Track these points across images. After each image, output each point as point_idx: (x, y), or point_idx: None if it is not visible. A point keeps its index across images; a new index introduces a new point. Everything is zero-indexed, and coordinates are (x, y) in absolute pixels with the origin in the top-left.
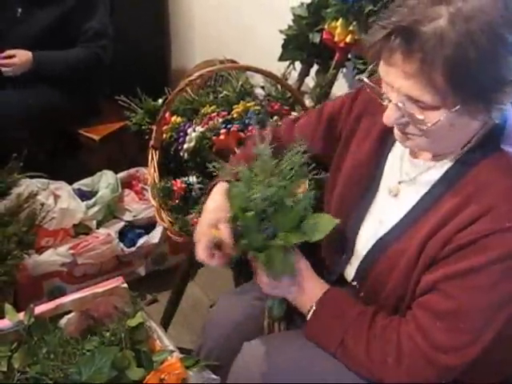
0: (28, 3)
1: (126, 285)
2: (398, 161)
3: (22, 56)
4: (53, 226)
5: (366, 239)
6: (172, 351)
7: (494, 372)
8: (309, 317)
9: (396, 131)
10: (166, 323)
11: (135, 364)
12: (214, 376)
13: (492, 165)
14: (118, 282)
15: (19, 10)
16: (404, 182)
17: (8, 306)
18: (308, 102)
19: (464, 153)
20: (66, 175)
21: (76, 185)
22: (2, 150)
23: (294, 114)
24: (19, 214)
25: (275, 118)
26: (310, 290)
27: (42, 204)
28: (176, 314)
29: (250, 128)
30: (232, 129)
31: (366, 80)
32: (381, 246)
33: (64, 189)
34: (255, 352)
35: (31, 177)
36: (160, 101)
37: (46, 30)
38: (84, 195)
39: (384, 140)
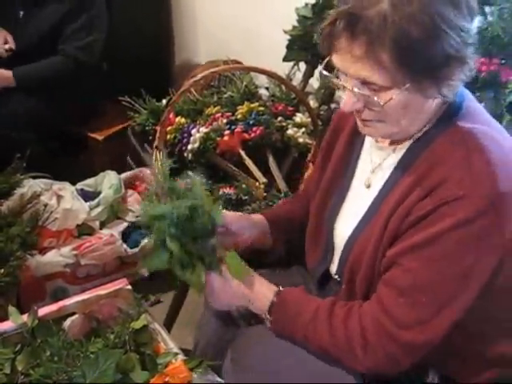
0: (30, 5)
1: (129, 286)
2: (368, 153)
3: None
4: (56, 227)
5: (342, 233)
6: (176, 353)
7: (483, 365)
8: (267, 322)
9: (358, 123)
10: (169, 324)
11: (139, 367)
12: (218, 379)
13: (446, 140)
14: (122, 283)
15: (21, 12)
16: (374, 172)
17: (12, 308)
18: (312, 103)
19: (422, 134)
20: (69, 176)
21: (79, 185)
22: (5, 150)
23: (299, 114)
24: (22, 214)
25: (279, 118)
26: (261, 295)
27: (45, 205)
28: (179, 315)
29: (254, 129)
30: (236, 130)
31: (323, 71)
32: (354, 236)
33: (67, 189)
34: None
35: (34, 177)
36: (164, 101)
37: (46, 32)
38: (87, 196)
39: (355, 138)
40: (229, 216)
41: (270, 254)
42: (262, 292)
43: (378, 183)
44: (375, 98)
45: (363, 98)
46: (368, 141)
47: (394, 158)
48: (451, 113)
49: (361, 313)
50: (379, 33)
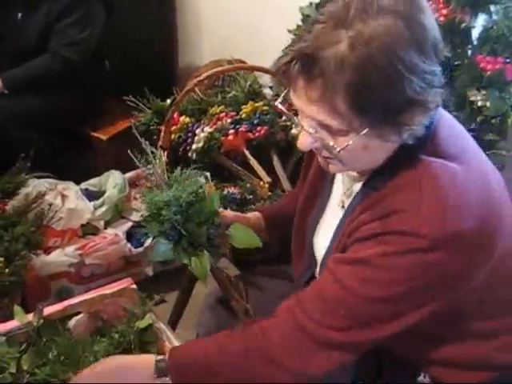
0: (28, 7)
1: (134, 286)
2: (341, 175)
3: None
4: (60, 227)
5: (319, 250)
6: None
7: (467, 368)
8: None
9: (319, 158)
10: (174, 323)
11: None
12: None
13: (404, 173)
14: (126, 283)
15: (19, 14)
16: (345, 194)
17: (17, 308)
18: None
19: (382, 165)
20: (73, 175)
21: (83, 185)
22: (9, 150)
23: None
24: (27, 214)
25: (284, 118)
26: (140, 364)
27: (50, 204)
28: (184, 314)
29: (258, 128)
30: (240, 129)
31: (280, 106)
32: (328, 254)
33: (71, 189)
34: None
35: (39, 177)
36: (168, 101)
37: (42, 32)
38: (91, 195)
39: None
40: (225, 214)
41: (264, 250)
42: (139, 360)
43: (349, 206)
44: (331, 143)
45: (320, 141)
46: None
47: (358, 186)
48: (414, 146)
49: (278, 313)
50: (335, 76)
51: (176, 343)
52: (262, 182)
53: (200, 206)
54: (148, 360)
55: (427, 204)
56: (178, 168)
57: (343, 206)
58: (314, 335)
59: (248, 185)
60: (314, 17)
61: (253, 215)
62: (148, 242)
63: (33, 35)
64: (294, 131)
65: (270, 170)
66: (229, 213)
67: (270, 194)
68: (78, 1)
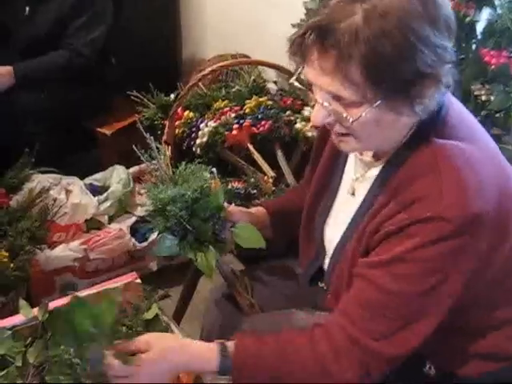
0: (36, 2)
1: (139, 280)
2: (353, 161)
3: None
4: (65, 221)
5: (331, 239)
6: None
7: (476, 358)
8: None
9: (333, 137)
10: (178, 318)
11: None
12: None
13: (419, 157)
14: (131, 277)
15: (27, 9)
16: (357, 180)
17: (22, 302)
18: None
19: (397, 149)
20: (77, 170)
21: (88, 180)
22: (14, 145)
23: (307, 108)
24: (31, 209)
25: (288, 112)
26: (203, 354)
27: (55, 199)
28: (188, 309)
29: (262, 123)
30: (244, 124)
31: (295, 83)
32: (342, 244)
33: (76, 184)
34: None
35: (43, 172)
36: (172, 96)
37: (51, 28)
38: (96, 190)
39: None
40: (230, 210)
41: (268, 245)
42: (202, 350)
43: (362, 193)
44: (344, 115)
45: (333, 113)
46: None
47: (376, 170)
48: (427, 128)
49: (327, 328)
50: (350, 48)
51: (181, 337)
52: (266, 177)
53: (205, 202)
54: (212, 355)
55: (447, 187)
56: (183, 163)
57: (353, 194)
58: (367, 348)
59: (252, 179)
60: None
61: (256, 210)
62: (152, 236)
63: (41, 30)
64: (298, 125)
65: (274, 165)
66: (234, 208)
67: (274, 188)
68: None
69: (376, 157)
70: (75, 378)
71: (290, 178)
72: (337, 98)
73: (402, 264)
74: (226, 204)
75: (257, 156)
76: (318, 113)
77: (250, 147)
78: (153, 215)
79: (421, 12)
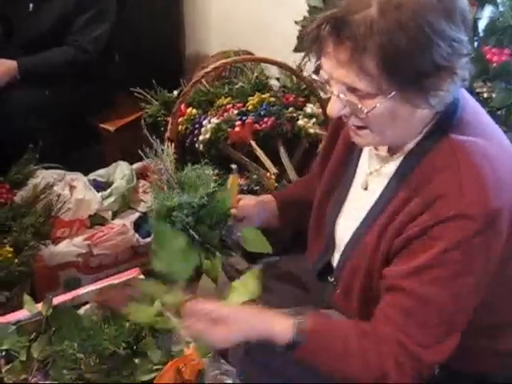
0: None
1: (142, 276)
2: (367, 155)
3: (3, 65)
4: (69, 217)
5: (342, 234)
6: (188, 342)
7: (480, 356)
8: (294, 350)
9: (349, 131)
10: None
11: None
12: (229, 367)
13: (437, 154)
14: (134, 273)
15: (31, 5)
16: (371, 174)
17: (26, 297)
18: (323, 94)
19: (415, 145)
20: (80, 166)
21: (91, 176)
22: (18, 141)
23: (309, 105)
24: (36, 204)
25: (290, 109)
26: (279, 321)
27: (59, 195)
28: None
29: (265, 119)
30: (247, 121)
31: (313, 75)
32: (354, 240)
33: (80, 180)
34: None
35: (47, 168)
36: (175, 92)
37: (55, 24)
38: (99, 186)
39: None
40: (241, 204)
41: (275, 234)
42: (279, 320)
43: (376, 189)
44: (359, 106)
45: (349, 105)
46: None
47: (392, 166)
48: (444, 124)
49: (385, 337)
50: (365, 39)
51: (182, 332)
52: (268, 173)
53: (212, 208)
54: (288, 327)
55: (467, 184)
56: (189, 165)
57: (366, 188)
58: (422, 359)
59: (255, 176)
60: None
61: (266, 198)
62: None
63: (45, 27)
64: (300, 122)
65: (277, 161)
66: (245, 203)
67: (276, 184)
68: None
69: (391, 152)
70: (79, 373)
71: (292, 174)
72: (352, 89)
73: (432, 270)
74: (239, 196)
75: (259, 152)
76: (333, 104)
77: (253, 144)
78: (158, 219)
79: (436, 5)
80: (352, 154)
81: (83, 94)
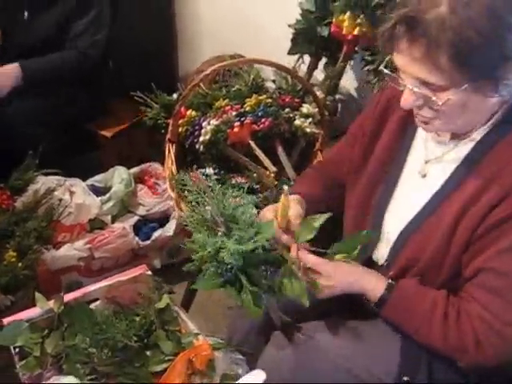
0: (34, 6)
1: (149, 272)
2: (422, 142)
3: (7, 69)
4: (69, 222)
5: (394, 222)
6: (197, 334)
7: None
8: (382, 306)
9: (416, 118)
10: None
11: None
12: (240, 356)
13: (509, 144)
14: (142, 269)
15: (26, 13)
16: (431, 162)
17: (38, 295)
18: (318, 94)
19: (484, 133)
20: (78, 172)
21: (89, 181)
22: (18, 147)
23: (305, 105)
24: (37, 209)
25: (287, 110)
26: (373, 279)
27: (60, 199)
28: (193, 305)
29: (262, 120)
30: (245, 121)
31: (385, 70)
32: (413, 226)
33: (79, 185)
34: (284, 342)
35: (46, 174)
36: (175, 95)
37: (51, 32)
38: (98, 191)
39: (406, 125)
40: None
41: None
42: (374, 276)
43: (438, 176)
44: (433, 98)
45: (422, 97)
46: (423, 131)
47: (456, 152)
48: (510, 115)
49: (468, 314)
50: (438, 36)
51: (191, 325)
52: (267, 172)
53: (259, 253)
54: (381, 285)
55: None
56: (228, 195)
57: (425, 175)
58: (506, 337)
59: (254, 174)
60: None
61: (298, 201)
62: (155, 235)
63: (40, 35)
64: (297, 122)
65: (275, 160)
66: (296, 218)
67: (276, 182)
68: (92, 1)
69: (455, 138)
70: (92, 366)
71: (290, 172)
72: (425, 83)
73: None
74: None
75: (258, 152)
76: (407, 97)
77: (252, 144)
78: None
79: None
80: (402, 141)
81: (81, 102)
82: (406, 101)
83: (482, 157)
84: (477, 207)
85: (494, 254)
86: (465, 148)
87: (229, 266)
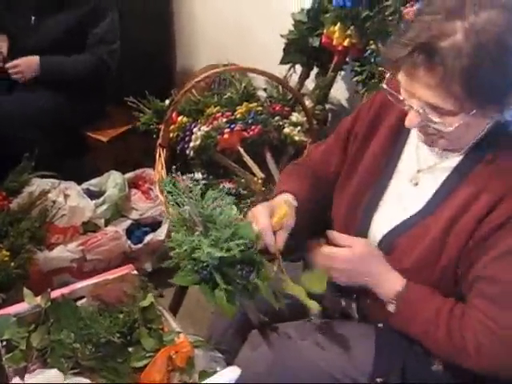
0: (41, 11)
1: (135, 272)
2: (414, 150)
3: (27, 62)
4: (63, 224)
5: (380, 226)
6: (179, 332)
7: None
8: (393, 307)
9: (419, 134)
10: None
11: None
12: (219, 354)
13: (501, 151)
14: (128, 269)
15: (33, 18)
16: (423, 171)
17: (26, 291)
18: (308, 104)
19: (474, 145)
20: (74, 176)
21: (84, 185)
22: (14, 150)
23: (295, 114)
24: (31, 211)
25: (276, 118)
26: (390, 280)
27: (54, 201)
28: (181, 309)
29: (252, 127)
30: (235, 128)
31: (387, 88)
32: (399, 230)
33: (73, 188)
34: (261, 341)
35: (42, 176)
36: (167, 101)
37: (58, 37)
38: (92, 195)
39: (398, 131)
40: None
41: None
42: (391, 277)
43: (430, 184)
44: (440, 121)
45: (428, 120)
46: (415, 138)
47: (448, 162)
48: (503, 124)
49: (471, 318)
50: (454, 64)
51: (174, 324)
52: (255, 178)
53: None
54: (398, 282)
55: None
56: (210, 193)
57: (416, 184)
58: (503, 338)
59: (243, 180)
60: (420, 7)
61: (286, 200)
62: (147, 238)
63: (48, 39)
64: (286, 130)
65: (264, 167)
66: (289, 219)
67: (263, 188)
68: (106, 8)
69: (451, 150)
70: (76, 361)
71: (278, 178)
72: (433, 107)
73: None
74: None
75: (247, 158)
76: (413, 117)
77: (241, 150)
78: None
79: (511, 28)
80: (394, 147)
81: (77, 106)
82: (411, 121)
83: (474, 166)
84: (468, 216)
85: (489, 262)
86: (457, 157)
87: (205, 264)
